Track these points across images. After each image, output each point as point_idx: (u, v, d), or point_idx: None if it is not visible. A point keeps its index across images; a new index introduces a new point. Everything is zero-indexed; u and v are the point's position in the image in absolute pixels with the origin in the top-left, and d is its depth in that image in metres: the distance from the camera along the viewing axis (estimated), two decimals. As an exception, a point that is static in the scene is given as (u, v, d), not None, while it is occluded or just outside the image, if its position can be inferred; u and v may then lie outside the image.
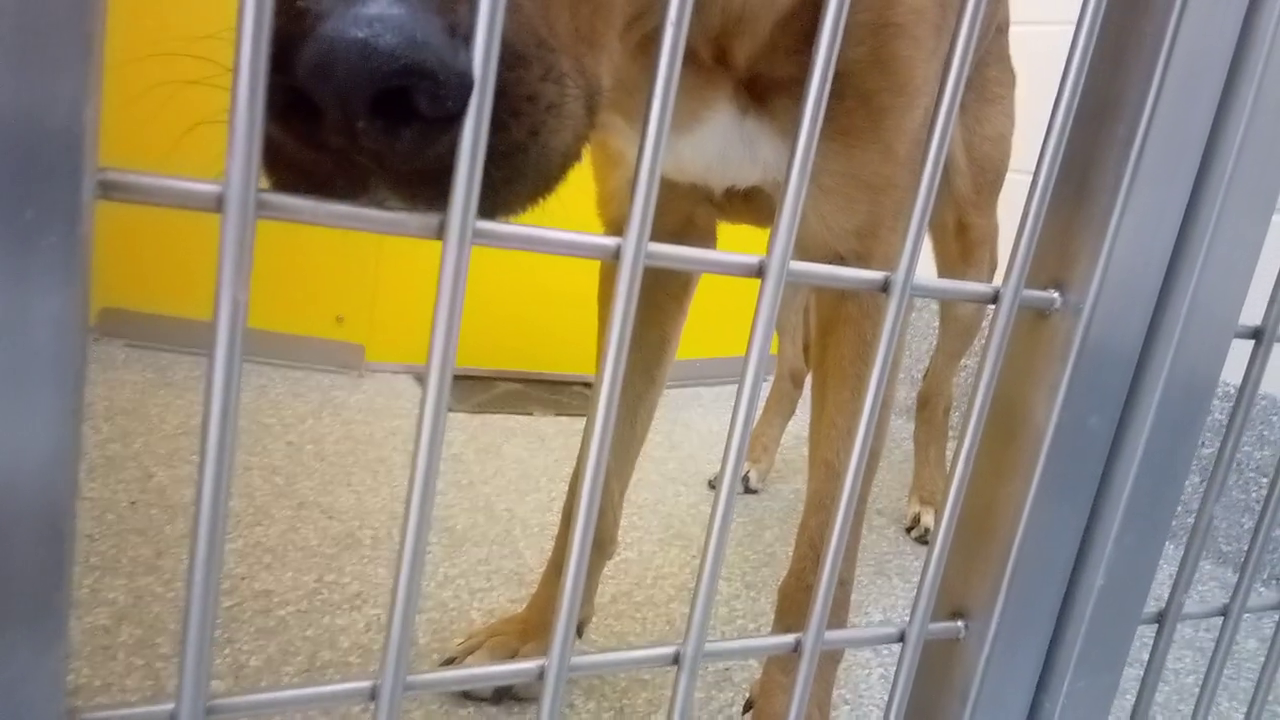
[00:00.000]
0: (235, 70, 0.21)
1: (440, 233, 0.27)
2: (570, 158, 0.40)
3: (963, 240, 1.30)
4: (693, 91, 0.68)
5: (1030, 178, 0.38)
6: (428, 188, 0.32)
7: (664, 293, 0.95)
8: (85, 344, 0.23)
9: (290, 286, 1.78)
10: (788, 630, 0.87)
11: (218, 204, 0.23)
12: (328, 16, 0.28)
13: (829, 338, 0.80)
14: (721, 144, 0.72)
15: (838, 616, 0.85)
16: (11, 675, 0.25)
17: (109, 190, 0.22)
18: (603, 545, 0.98)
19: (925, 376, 1.60)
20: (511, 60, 0.35)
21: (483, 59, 0.25)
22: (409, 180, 0.32)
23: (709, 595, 0.36)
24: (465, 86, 0.27)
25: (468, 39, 0.27)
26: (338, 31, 0.28)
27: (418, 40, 0.28)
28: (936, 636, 0.44)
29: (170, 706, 0.27)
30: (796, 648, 0.40)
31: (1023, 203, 0.38)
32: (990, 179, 1.27)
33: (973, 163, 1.25)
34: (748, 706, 0.92)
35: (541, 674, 0.34)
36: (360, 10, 0.28)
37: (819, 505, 0.83)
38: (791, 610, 0.86)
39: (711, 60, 0.67)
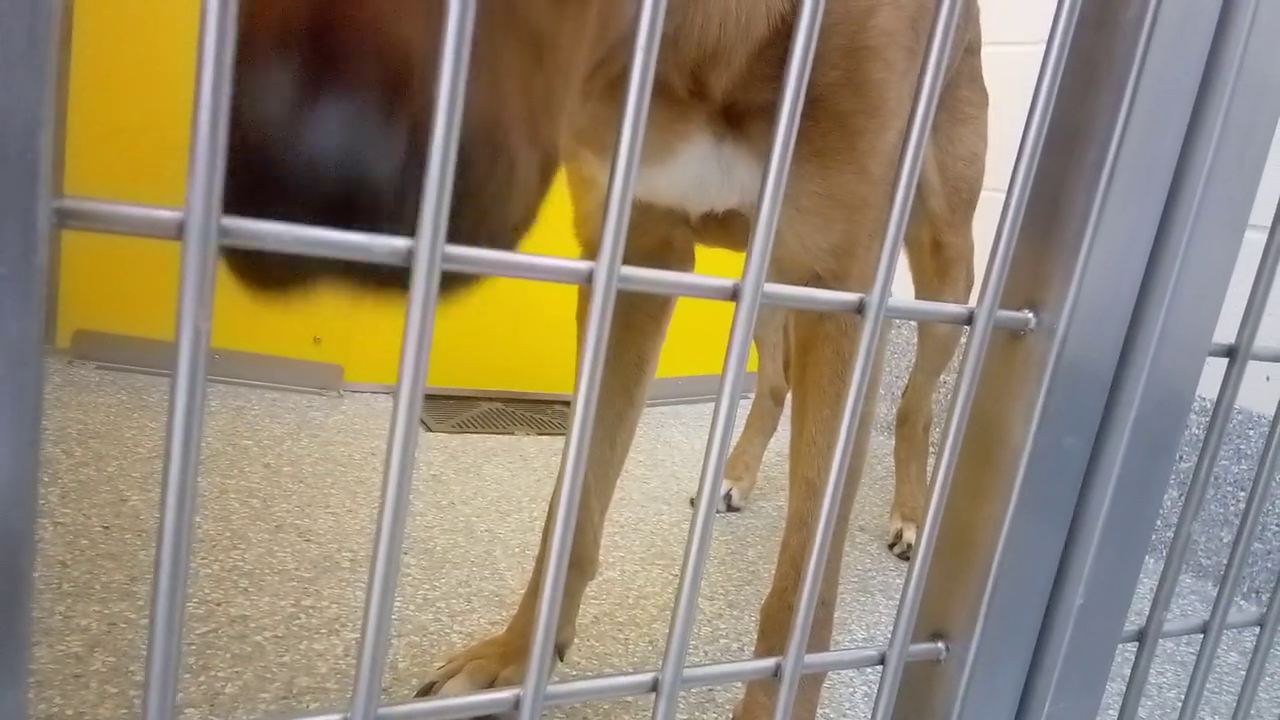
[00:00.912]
0: (196, 99, 0.21)
1: (408, 259, 0.26)
2: (525, 225, 0.39)
3: (938, 258, 1.31)
4: (667, 125, 0.68)
5: (1004, 195, 0.38)
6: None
7: (642, 313, 0.95)
8: (43, 374, 0.23)
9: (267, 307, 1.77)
10: (770, 650, 0.87)
11: (178, 231, 0.22)
12: (276, 148, 0.29)
13: (808, 356, 0.80)
14: (699, 171, 0.72)
15: (820, 637, 0.85)
16: (-34, 716, 0.24)
17: (66, 218, 0.22)
18: (583, 566, 0.97)
19: (904, 393, 1.60)
20: (461, 157, 0.35)
21: (445, 122, 0.25)
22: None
23: (687, 622, 0.36)
24: (406, 201, 0.28)
25: (413, 150, 0.29)
26: (284, 164, 0.29)
27: (362, 168, 0.30)
28: (917, 658, 0.44)
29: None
30: (777, 672, 0.40)
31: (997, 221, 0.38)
32: (965, 198, 1.28)
33: (946, 182, 1.26)
34: (731, 728, 0.92)
35: (517, 703, 0.34)
36: (306, 146, 0.29)
37: (800, 523, 0.83)
38: (774, 630, 0.86)
39: (686, 93, 0.67)
